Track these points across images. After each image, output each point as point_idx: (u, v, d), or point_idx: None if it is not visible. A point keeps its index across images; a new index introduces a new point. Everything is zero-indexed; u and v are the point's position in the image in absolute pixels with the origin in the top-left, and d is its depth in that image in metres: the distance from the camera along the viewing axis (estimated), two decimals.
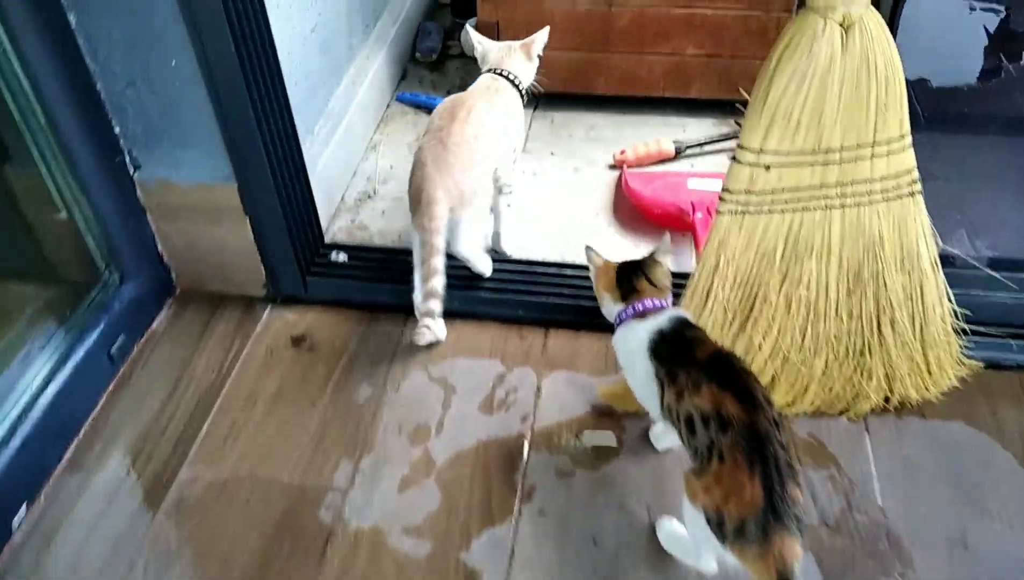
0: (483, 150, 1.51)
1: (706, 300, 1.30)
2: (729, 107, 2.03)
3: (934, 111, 1.39)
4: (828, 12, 1.08)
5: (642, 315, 1.16)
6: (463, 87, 2.22)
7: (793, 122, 1.15)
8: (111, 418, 1.44)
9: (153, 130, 1.42)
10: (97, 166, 1.42)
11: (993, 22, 1.76)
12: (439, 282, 1.44)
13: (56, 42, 1.29)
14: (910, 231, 1.24)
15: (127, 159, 1.46)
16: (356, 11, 2.00)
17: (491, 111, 1.57)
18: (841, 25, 1.09)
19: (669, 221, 1.73)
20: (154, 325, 1.59)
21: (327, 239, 1.76)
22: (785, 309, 1.29)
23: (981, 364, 1.41)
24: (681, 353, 1.08)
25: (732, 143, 1.97)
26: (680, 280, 1.33)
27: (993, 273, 1.40)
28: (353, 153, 1.99)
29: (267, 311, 1.63)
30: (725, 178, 1.23)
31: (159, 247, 1.59)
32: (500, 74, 1.65)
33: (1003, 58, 1.83)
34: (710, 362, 1.04)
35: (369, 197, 1.91)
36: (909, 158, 1.20)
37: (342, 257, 1.67)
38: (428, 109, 2.17)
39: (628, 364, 1.19)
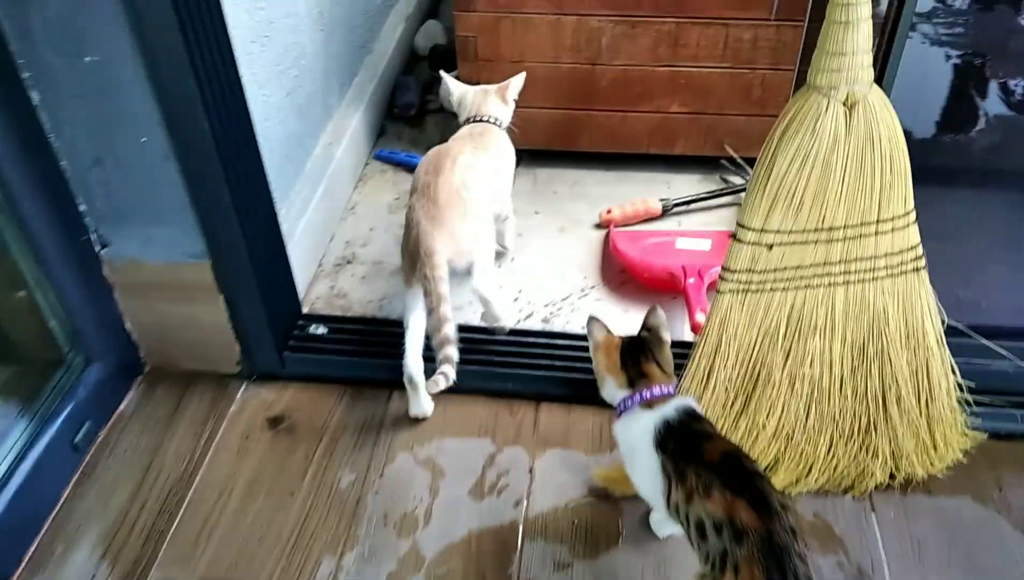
0: (475, 197, 1.49)
1: (707, 381, 1.24)
2: (714, 163, 2.01)
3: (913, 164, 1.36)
4: (832, 91, 1.05)
5: (649, 404, 1.10)
6: (443, 142, 2.20)
7: (796, 201, 1.11)
8: (75, 514, 1.34)
9: (121, 208, 1.35)
10: (60, 245, 1.34)
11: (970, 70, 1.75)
12: (451, 329, 1.33)
13: (17, 120, 1.22)
14: (915, 307, 1.20)
15: (93, 238, 1.38)
16: (332, 71, 1.95)
17: (476, 155, 1.55)
18: (845, 104, 1.05)
19: (659, 284, 1.69)
20: (121, 407, 1.50)
21: (305, 307, 1.69)
22: (789, 388, 1.24)
23: (985, 435, 1.37)
24: (689, 449, 1.02)
25: (719, 200, 1.95)
26: (673, 349, 1.27)
27: (988, 343, 1.36)
28: (331, 216, 1.92)
29: (242, 389, 1.55)
30: (725, 257, 1.19)
31: (127, 326, 1.51)
32: (479, 120, 1.63)
33: (980, 107, 1.82)
34: (721, 463, 0.98)
35: (348, 262, 1.85)
36: (913, 234, 1.16)
37: (321, 330, 1.60)
38: (407, 167, 2.12)
39: (631, 455, 1.13)
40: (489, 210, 1.53)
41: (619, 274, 1.77)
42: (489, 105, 1.66)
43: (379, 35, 2.33)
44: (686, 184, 2.02)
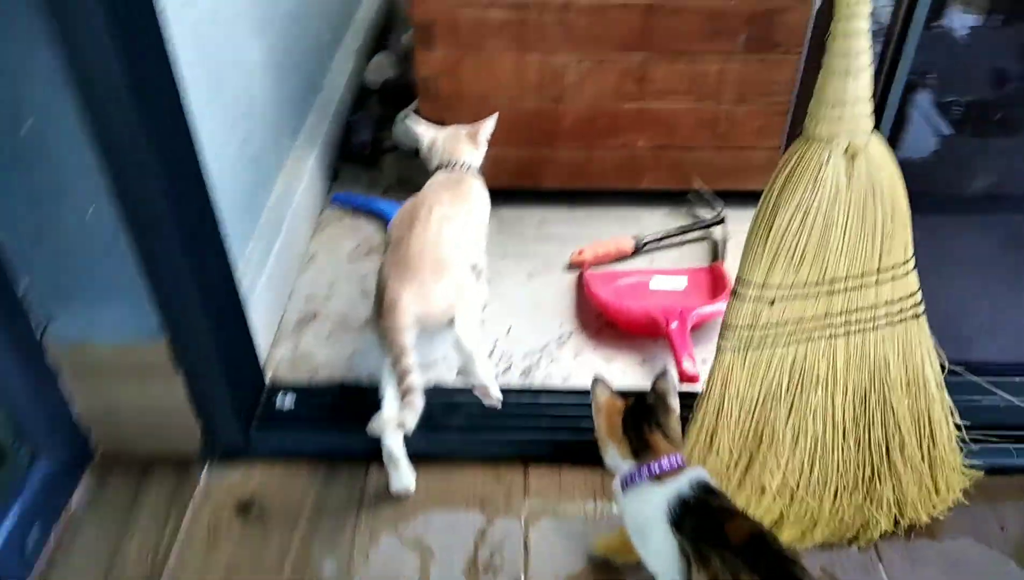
0: (452, 250, 1.39)
1: (711, 443, 1.19)
2: (681, 197, 1.98)
3: None
4: (832, 141, 1.01)
5: (659, 478, 1.03)
6: (401, 182, 2.11)
7: (798, 255, 1.07)
8: None
9: (65, 286, 1.23)
10: None
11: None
12: (417, 378, 1.22)
13: None
14: (915, 353, 1.18)
15: (33, 322, 1.26)
16: (285, 115, 1.85)
17: (454, 206, 1.47)
18: (845, 154, 1.01)
19: (640, 329, 1.63)
20: (73, 504, 1.37)
21: (267, 373, 1.58)
22: (792, 443, 1.20)
23: (981, 472, 1.35)
24: (710, 529, 0.96)
25: (690, 235, 1.91)
26: None
27: (978, 380, 1.34)
28: (289, 270, 1.81)
29: (205, 472, 1.43)
30: (725, 314, 1.14)
31: (74, 412, 1.38)
32: (452, 167, 1.57)
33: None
34: (748, 546, 0.92)
35: (311, 319, 1.74)
36: (913, 281, 1.13)
37: (288, 401, 1.49)
38: (366, 211, 2.03)
39: (640, 532, 1.06)
40: (467, 263, 1.45)
41: (596, 318, 1.71)
42: (462, 151, 1.58)
43: (329, 72, 2.23)
44: (654, 219, 1.98)
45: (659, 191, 1.97)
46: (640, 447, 1.05)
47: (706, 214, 1.94)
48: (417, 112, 2.16)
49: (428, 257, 1.35)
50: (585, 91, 1.81)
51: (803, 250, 1.06)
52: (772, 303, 1.10)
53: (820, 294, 1.11)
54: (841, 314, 1.13)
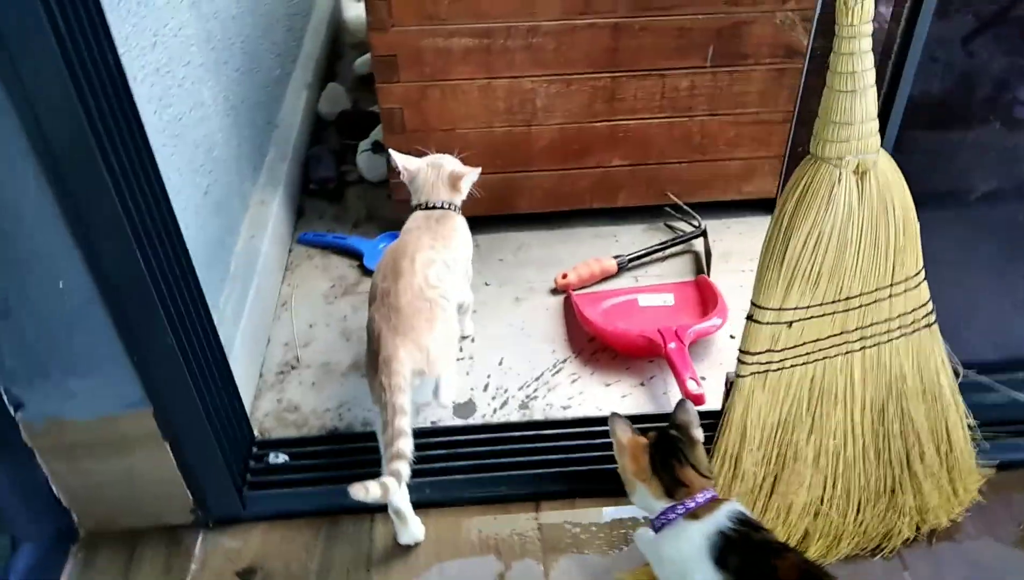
0: (440, 298, 1.35)
1: (736, 468, 1.17)
2: (658, 211, 1.96)
3: None
4: (841, 161, 0.99)
5: (694, 514, 1.00)
6: (370, 218, 2.05)
7: (813, 277, 1.05)
8: None
9: (37, 362, 1.14)
10: None
11: None
12: (406, 444, 1.19)
13: None
14: (930, 362, 1.17)
15: (4, 400, 1.16)
16: (244, 156, 1.78)
17: (436, 250, 1.42)
18: (855, 172, 1.00)
19: (637, 352, 1.61)
20: None
21: (255, 431, 1.50)
22: (815, 461, 1.18)
23: (993, 469, 1.36)
24: (757, 565, 0.93)
25: (672, 249, 1.90)
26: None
27: (982, 378, 1.36)
28: (264, 317, 1.74)
29: (199, 541, 1.35)
30: (743, 340, 1.11)
31: (55, 491, 1.28)
32: (434, 207, 1.52)
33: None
34: None
35: (292, 367, 1.67)
36: (924, 292, 1.13)
37: (282, 458, 1.42)
38: (335, 249, 1.96)
39: (680, 574, 1.02)
40: (454, 309, 1.40)
41: (589, 342, 1.68)
42: (442, 194, 1.52)
43: (283, 106, 2.16)
44: (633, 235, 1.96)
45: (636, 207, 1.96)
46: (673, 485, 1.02)
47: (684, 227, 1.93)
48: (379, 143, 2.11)
49: (419, 309, 1.31)
50: (556, 113, 1.78)
51: (819, 271, 1.05)
52: (790, 325, 1.09)
53: (836, 312, 1.09)
54: (856, 330, 1.12)
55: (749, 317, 1.10)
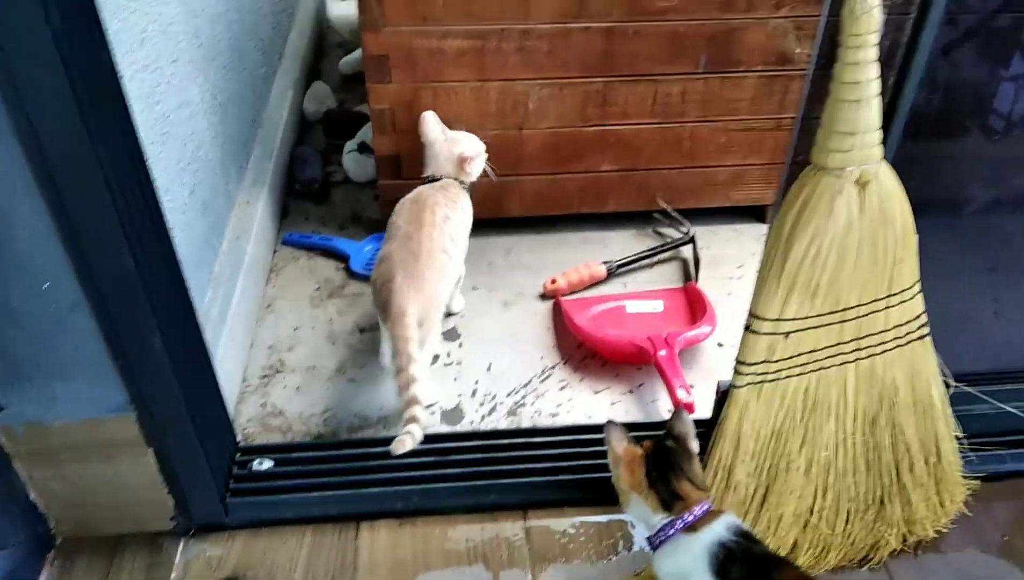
0: (451, 260, 1.50)
1: (728, 479, 1.16)
2: (646, 217, 1.96)
3: None
4: (843, 172, 0.99)
5: (692, 527, 0.99)
6: (356, 219, 2.03)
7: (812, 287, 1.05)
8: None
9: (19, 367, 1.10)
10: None
11: None
12: (420, 389, 1.30)
13: None
14: (922, 374, 1.18)
15: None
16: (230, 155, 1.74)
17: (448, 207, 1.53)
18: (857, 183, 1.00)
19: (627, 358, 1.60)
20: None
21: (239, 437, 1.47)
22: (806, 472, 1.18)
23: (978, 481, 1.37)
24: (759, 578, 0.92)
25: (661, 255, 1.89)
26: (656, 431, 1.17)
27: (969, 389, 1.36)
28: (249, 319, 1.71)
29: (180, 549, 1.32)
30: (740, 350, 1.11)
31: (31, 496, 1.24)
32: (436, 180, 1.61)
33: None
34: None
35: (276, 371, 1.64)
36: (919, 304, 1.13)
37: (266, 464, 1.39)
38: (321, 250, 1.93)
39: None
40: (453, 280, 1.54)
41: (578, 348, 1.67)
42: (449, 169, 1.63)
43: (268, 105, 2.12)
44: (622, 241, 1.96)
45: (625, 212, 1.95)
46: (670, 499, 1.01)
47: (673, 233, 1.93)
48: (366, 143, 2.09)
49: (436, 263, 1.44)
50: (547, 117, 1.77)
51: (818, 282, 1.05)
52: (787, 336, 1.08)
53: (833, 323, 1.09)
54: (852, 341, 1.12)
55: (747, 327, 1.10)
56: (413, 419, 1.27)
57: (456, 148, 1.61)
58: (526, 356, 1.66)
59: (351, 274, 1.85)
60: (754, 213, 1.99)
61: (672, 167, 1.87)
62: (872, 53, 0.93)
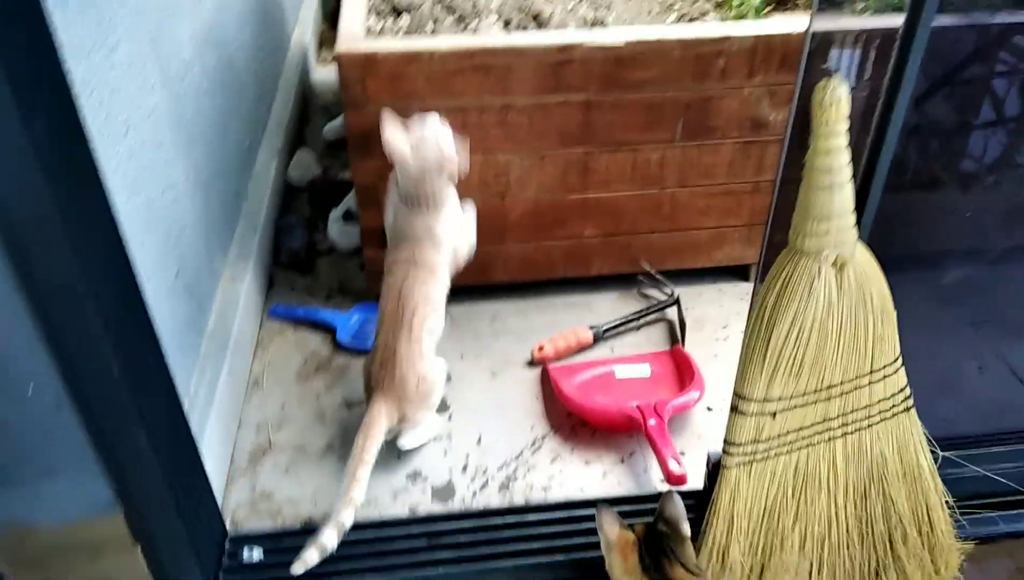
0: (437, 386, 1.54)
1: (723, 560, 1.16)
2: (630, 279, 1.97)
3: None
4: (820, 255, 1.01)
5: None
6: (342, 290, 2.03)
7: (795, 368, 1.06)
8: None
9: (3, 471, 1.09)
10: None
11: None
12: (359, 492, 1.38)
13: None
14: (909, 445, 1.18)
15: None
16: (214, 233, 1.75)
17: (424, 286, 1.54)
18: (834, 265, 1.02)
19: (616, 427, 1.60)
20: None
21: (226, 519, 1.45)
22: (801, 548, 1.18)
23: (972, 544, 1.37)
24: None
25: (646, 318, 1.90)
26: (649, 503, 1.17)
27: (951, 455, 1.36)
28: (236, 398, 1.70)
29: None
30: (727, 431, 1.11)
31: None
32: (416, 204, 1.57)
33: None
34: None
35: (264, 452, 1.63)
36: (901, 378, 1.14)
37: (256, 554, 1.37)
38: (308, 323, 1.93)
39: None
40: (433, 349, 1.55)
41: (567, 417, 1.67)
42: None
43: (252, 176, 2.14)
44: (606, 303, 1.97)
45: (609, 275, 1.96)
46: None
47: (656, 294, 1.94)
48: (351, 211, 2.11)
49: (411, 379, 1.47)
50: (529, 186, 1.79)
51: (801, 362, 1.06)
52: (774, 416, 1.09)
53: (818, 401, 1.10)
54: (838, 417, 1.13)
55: (733, 408, 1.11)
56: (339, 527, 1.32)
57: (432, 155, 1.51)
58: (516, 426, 1.66)
59: (338, 346, 1.85)
60: (736, 272, 2.02)
61: (654, 231, 1.90)
62: (843, 140, 0.96)
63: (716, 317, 1.90)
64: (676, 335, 1.85)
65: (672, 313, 1.90)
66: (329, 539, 1.29)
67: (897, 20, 0.95)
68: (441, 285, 1.57)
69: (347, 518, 1.32)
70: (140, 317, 1.13)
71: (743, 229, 1.91)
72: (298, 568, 1.27)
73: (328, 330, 1.89)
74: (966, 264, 1.84)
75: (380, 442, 1.42)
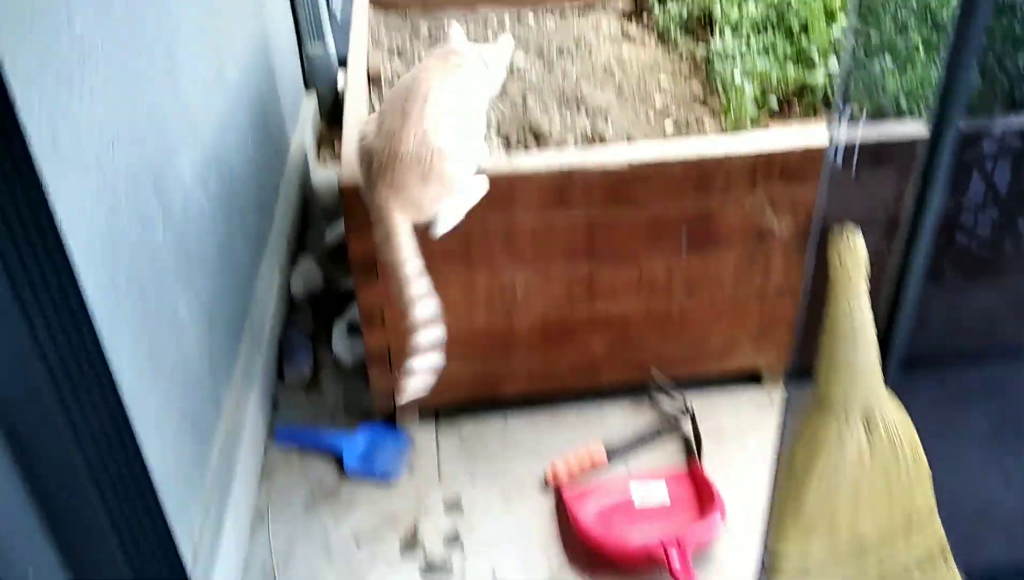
0: (451, 162, 1.40)
1: None
2: (641, 389, 1.94)
3: None
4: (848, 408, 0.98)
5: None
6: (348, 408, 1.99)
7: (829, 525, 1.02)
8: None
9: None
10: None
11: None
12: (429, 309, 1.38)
13: None
14: None
15: None
16: (218, 360, 1.71)
17: (454, 94, 1.44)
18: (861, 419, 0.98)
19: (636, 564, 1.54)
20: None
21: None
22: None
23: None
24: None
25: (661, 437, 1.85)
26: None
27: None
28: (241, 538, 1.64)
29: None
30: None
31: None
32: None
33: None
34: None
35: None
36: (938, 525, 1.10)
37: None
38: (316, 447, 1.88)
39: None
40: (467, 170, 1.45)
41: (584, 549, 1.61)
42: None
43: (255, 294, 2.11)
44: (618, 414, 1.93)
45: (619, 385, 1.93)
46: None
47: (667, 402, 1.91)
48: (354, 322, 2.08)
49: (416, 163, 1.36)
50: (536, 302, 1.77)
51: (833, 519, 1.02)
52: (808, 575, 1.04)
53: (854, 557, 1.05)
54: (875, 572, 1.08)
55: (766, 568, 1.06)
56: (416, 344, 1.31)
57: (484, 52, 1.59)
58: (532, 559, 1.60)
59: (344, 474, 1.80)
60: (747, 377, 1.98)
61: (663, 341, 1.87)
62: (864, 299, 0.94)
63: (732, 428, 1.86)
64: (692, 450, 1.80)
65: (687, 425, 1.86)
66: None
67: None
68: (467, 81, 1.48)
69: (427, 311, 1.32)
70: (143, 487, 1.09)
71: (754, 336, 1.88)
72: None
73: (335, 456, 1.84)
74: (979, 363, 1.80)
75: (412, 241, 1.37)
